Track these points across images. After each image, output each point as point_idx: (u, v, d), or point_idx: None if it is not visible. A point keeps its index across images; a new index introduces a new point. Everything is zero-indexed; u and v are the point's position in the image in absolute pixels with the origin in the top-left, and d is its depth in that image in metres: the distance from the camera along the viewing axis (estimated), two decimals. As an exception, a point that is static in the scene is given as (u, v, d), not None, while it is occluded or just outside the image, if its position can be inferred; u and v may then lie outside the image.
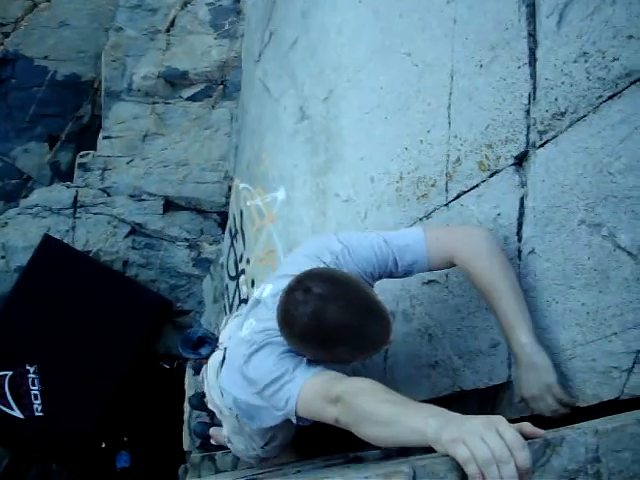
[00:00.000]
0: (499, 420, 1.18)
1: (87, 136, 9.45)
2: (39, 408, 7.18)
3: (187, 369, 5.41)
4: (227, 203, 5.73)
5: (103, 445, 7.82)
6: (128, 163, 8.27)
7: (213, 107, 8.48)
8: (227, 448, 3.96)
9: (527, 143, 1.96)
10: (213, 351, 2.77)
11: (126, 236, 7.91)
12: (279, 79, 3.74)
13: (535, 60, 1.92)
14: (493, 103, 2.07)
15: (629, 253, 1.66)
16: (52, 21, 9.96)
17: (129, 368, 7.38)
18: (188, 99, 8.57)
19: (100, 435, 7.58)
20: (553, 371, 1.81)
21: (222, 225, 7.27)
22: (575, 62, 1.78)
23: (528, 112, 1.95)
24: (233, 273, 4.93)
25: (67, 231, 7.91)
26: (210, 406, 2.80)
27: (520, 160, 2.00)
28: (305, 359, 1.92)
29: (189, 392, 5.16)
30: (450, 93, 2.26)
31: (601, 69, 1.70)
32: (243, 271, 4.63)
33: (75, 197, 8.10)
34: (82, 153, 8.57)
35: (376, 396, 1.59)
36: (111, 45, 8.99)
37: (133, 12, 9.15)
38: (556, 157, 1.86)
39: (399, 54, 2.51)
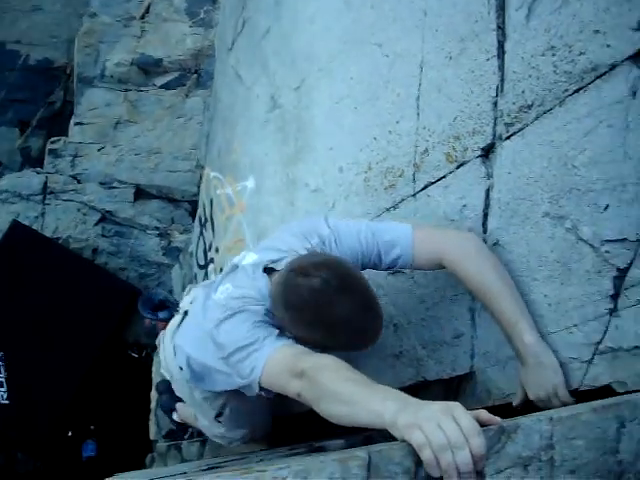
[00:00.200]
0: (455, 406, 1.19)
1: (59, 122, 9.35)
2: (4, 396, 7.10)
3: (155, 358, 5.39)
4: (199, 192, 5.71)
5: (69, 434, 7.75)
6: (99, 150, 8.18)
7: (187, 96, 8.42)
8: (192, 430, 3.96)
9: (494, 135, 1.98)
10: (172, 316, 2.76)
11: (96, 224, 7.83)
12: (251, 67, 3.73)
13: (503, 53, 1.93)
14: (461, 95, 2.08)
15: (591, 245, 1.69)
16: (25, 4, 9.83)
17: (97, 356, 7.32)
18: (161, 87, 8.50)
19: (66, 424, 7.52)
20: (560, 371, 1.79)
21: (193, 214, 7.23)
22: (543, 55, 1.79)
23: (495, 104, 1.97)
24: (202, 262, 4.91)
25: (36, 217, 7.83)
26: (163, 371, 2.78)
27: (487, 152, 2.02)
28: (276, 330, 1.92)
29: (156, 380, 5.14)
30: (419, 84, 2.26)
31: (568, 63, 1.72)
32: (212, 260, 4.61)
33: (45, 183, 8.00)
34: (53, 139, 8.46)
35: (339, 374, 1.59)
36: (84, 31, 8.87)
37: (108, -2, 9.07)
38: (522, 149, 1.87)
39: (370, 44, 2.51)
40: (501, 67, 1.94)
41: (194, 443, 4.26)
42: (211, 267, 4.61)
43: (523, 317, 1.84)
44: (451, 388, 2.31)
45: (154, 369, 5.44)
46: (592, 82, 1.66)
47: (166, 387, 3.72)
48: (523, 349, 1.82)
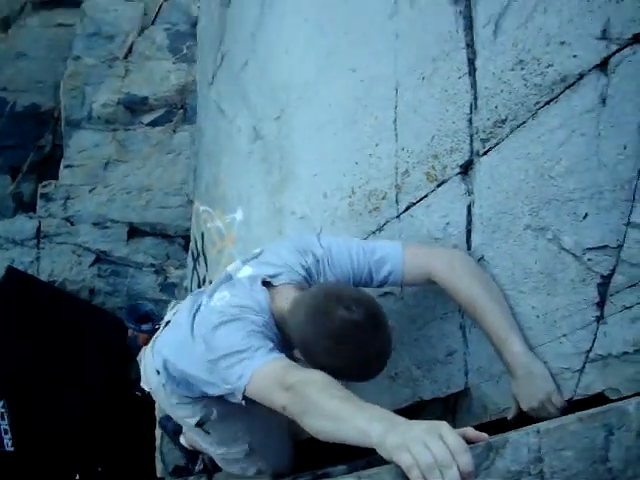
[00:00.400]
0: (442, 425, 1.19)
1: (49, 166, 9.36)
2: (10, 443, 7.04)
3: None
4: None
5: (77, 477, 7.69)
6: (91, 191, 8.20)
7: (174, 131, 8.46)
8: (202, 456, 3.89)
9: (471, 152, 1.99)
10: (154, 330, 2.73)
11: (91, 264, 7.82)
12: (232, 100, 3.75)
13: (474, 70, 1.96)
14: (437, 114, 2.10)
15: (573, 255, 1.69)
16: (9, 52, 9.88)
17: (100, 397, 7.29)
18: (149, 124, 8.53)
19: (74, 467, 7.47)
20: (551, 379, 1.80)
21: (187, 249, 7.23)
22: (512, 70, 1.82)
23: (470, 121, 1.98)
24: (197, 296, 4.90)
25: (31, 262, 7.82)
26: (143, 384, 2.73)
27: (465, 169, 2.03)
28: (271, 344, 1.91)
29: (159, 416, 5.10)
30: (395, 106, 2.28)
31: (537, 76, 1.74)
32: (207, 293, 4.60)
33: (38, 227, 8.02)
34: (44, 183, 8.48)
35: (327, 390, 1.59)
36: (69, 74, 8.93)
37: (90, 40, 9.11)
38: (499, 164, 1.89)
39: (345, 70, 2.53)
40: (473, 84, 1.96)
41: (200, 478, 4.22)
42: (206, 300, 4.59)
43: (512, 331, 1.85)
44: (448, 406, 2.31)
45: (157, 406, 5.40)
46: (562, 93, 1.68)
47: (167, 415, 3.68)
48: (512, 361, 1.83)
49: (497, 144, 1.89)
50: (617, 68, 1.54)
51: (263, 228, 3.33)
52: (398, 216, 2.31)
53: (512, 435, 1.21)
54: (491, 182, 1.92)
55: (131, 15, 9.25)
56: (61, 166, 8.48)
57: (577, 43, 1.63)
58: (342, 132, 2.59)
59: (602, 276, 1.64)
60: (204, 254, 4.55)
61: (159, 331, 2.61)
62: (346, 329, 1.83)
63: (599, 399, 1.68)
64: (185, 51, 8.80)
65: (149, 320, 2.78)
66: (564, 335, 1.76)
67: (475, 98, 1.95)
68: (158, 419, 4.95)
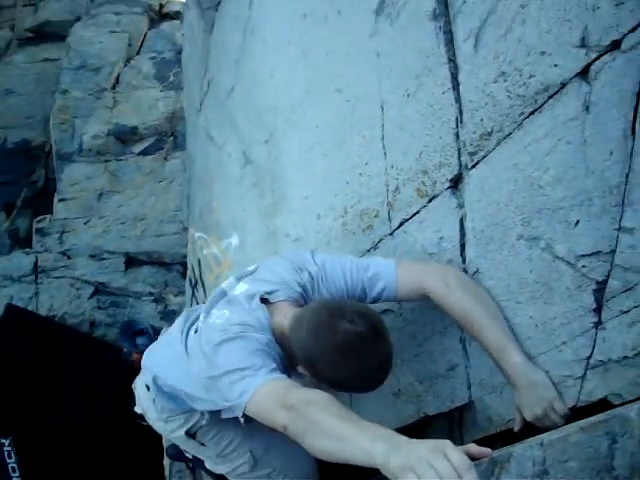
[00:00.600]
0: (445, 444, 1.19)
1: (43, 200, 9.39)
2: (18, 481, 7.02)
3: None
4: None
5: (88, 512, 7.63)
6: (85, 223, 8.22)
7: (165, 159, 8.49)
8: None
9: (460, 165, 2.00)
10: (150, 342, 2.73)
11: (90, 297, 7.83)
12: (221, 127, 3.77)
13: (458, 84, 1.97)
14: (423, 130, 2.11)
15: (567, 262, 1.69)
16: (-3, 90, 9.95)
17: (106, 429, 7.25)
18: (140, 154, 8.56)
19: (83, 502, 7.42)
20: (552, 386, 1.79)
21: (185, 275, 7.23)
22: (495, 82, 1.82)
23: (457, 135, 1.99)
24: (197, 323, 4.89)
25: (30, 298, 7.83)
26: (137, 408, 2.70)
27: (455, 183, 2.03)
28: (274, 364, 1.91)
29: (166, 445, 5.07)
30: (382, 124, 2.29)
31: (520, 87, 1.75)
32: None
33: (35, 263, 8.02)
34: (39, 218, 8.50)
35: (328, 410, 1.58)
36: (58, 108, 8.98)
37: (77, 73, 9.17)
38: (488, 176, 1.89)
39: (330, 91, 2.55)
40: (457, 98, 1.97)
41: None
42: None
43: (509, 342, 1.85)
44: (453, 421, 2.30)
45: (164, 435, 5.37)
46: (546, 102, 1.69)
47: (176, 452, 3.66)
48: (513, 372, 1.83)
49: (485, 156, 1.90)
50: (598, 75, 1.55)
51: (258, 251, 3.34)
52: (391, 233, 2.32)
53: (516, 449, 1.20)
54: (481, 194, 1.92)
55: (116, 46, 9.32)
56: (55, 200, 8.50)
57: (557, 52, 1.63)
58: (331, 153, 2.60)
59: (597, 282, 1.64)
60: (202, 281, 4.54)
61: (147, 349, 2.61)
62: (350, 341, 1.84)
63: (602, 405, 1.68)
64: (172, 78, 8.85)
65: (144, 334, 2.77)
66: (564, 343, 1.76)
67: (460, 112, 1.96)
68: (165, 448, 4.92)
